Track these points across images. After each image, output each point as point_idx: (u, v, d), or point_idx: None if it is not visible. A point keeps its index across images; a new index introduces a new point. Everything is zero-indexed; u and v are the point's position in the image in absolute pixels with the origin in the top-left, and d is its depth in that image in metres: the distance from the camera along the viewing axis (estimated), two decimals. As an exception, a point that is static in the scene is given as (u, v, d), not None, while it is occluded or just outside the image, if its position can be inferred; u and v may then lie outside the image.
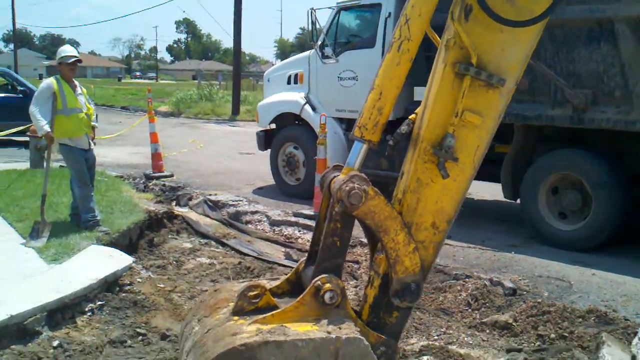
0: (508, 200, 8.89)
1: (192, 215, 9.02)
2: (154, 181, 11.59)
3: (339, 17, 10.17)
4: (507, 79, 3.17)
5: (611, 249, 7.70)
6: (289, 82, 11.00)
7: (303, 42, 75.73)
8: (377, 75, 3.31)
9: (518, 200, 8.54)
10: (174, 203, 9.97)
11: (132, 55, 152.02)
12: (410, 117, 3.47)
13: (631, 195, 7.65)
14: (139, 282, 6.08)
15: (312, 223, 8.25)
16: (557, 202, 8.10)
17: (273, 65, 28.97)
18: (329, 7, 10.42)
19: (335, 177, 3.40)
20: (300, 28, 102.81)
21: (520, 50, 3.18)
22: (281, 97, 11.04)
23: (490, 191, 10.31)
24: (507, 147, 8.35)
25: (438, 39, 3.40)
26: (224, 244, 7.87)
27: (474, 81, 3.13)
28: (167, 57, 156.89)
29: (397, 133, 3.44)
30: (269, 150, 11.30)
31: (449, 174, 3.22)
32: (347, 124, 10.08)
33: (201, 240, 8.01)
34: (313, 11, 9.97)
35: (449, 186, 3.29)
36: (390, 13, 9.24)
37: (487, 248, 7.76)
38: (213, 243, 7.95)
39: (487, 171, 6.55)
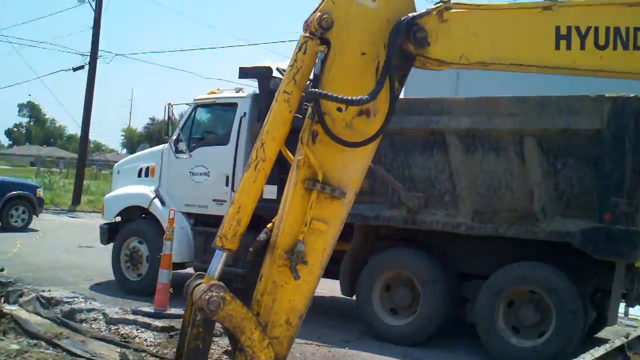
0: (346, 297, 9.05)
1: (22, 314, 8.32)
2: (-19, 277, 10.69)
3: (195, 113, 10.18)
4: (348, 191, 3.70)
5: (440, 342, 8.01)
6: (139, 175, 10.69)
7: (152, 132, 74.90)
8: (237, 190, 3.77)
9: (354, 297, 8.72)
10: (2, 300, 9.23)
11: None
12: (268, 225, 3.86)
13: (457, 292, 8.07)
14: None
15: (152, 321, 7.91)
16: (389, 298, 8.36)
17: (119, 154, 28.27)
18: (186, 103, 10.45)
19: (197, 285, 3.74)
20: (150, 118, 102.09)
21: (359, 165, 3.74)
22: (130, 190, 10.69)
23: (330, 287, 10.47)
24: (347, 245, 8.53)
25: (291, 156, 3.84)
26: (55, 345, 7.31)
27: (320, 194, 3.63)
28: (5, 141, 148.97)
29: (257, 241, 3.83)
30: (110, 244, 10.87)
31: (300, 276, 3.65)
32: (196, 219, 9.93)
33: (30, 341, 7.39)
34: (170, 106, 9.91)
35: (300, 286, 3.73)
36: (245, 113, 9.40)
37: (324, 344, 7.77)
38: (43, 344, 7.37)
39: (327, 268, 6.66)
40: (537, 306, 7.39)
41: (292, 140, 3.82)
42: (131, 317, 8.36)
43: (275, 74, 8.98)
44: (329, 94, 3.49)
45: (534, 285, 7.37)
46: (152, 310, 8.44)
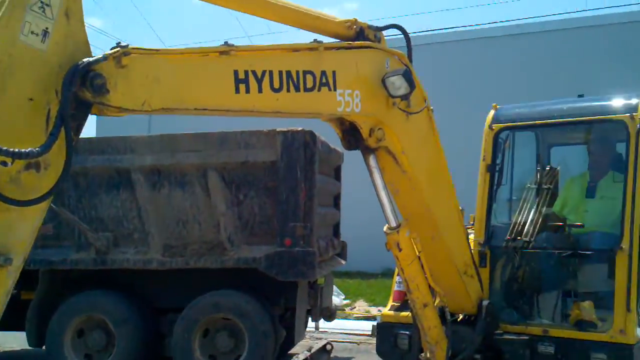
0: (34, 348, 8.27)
1: None
2: None
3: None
4: (15, 257, 2.93)
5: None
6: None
7: None
8: None
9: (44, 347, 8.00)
10: None
11: None
12: None
13: (154, 328, 7.85)
14: None
15: None
16: (82, 344, 7.86)
17: None
18: None
19: None
20: None
21: (29, 225, 3.00)
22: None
23: (19, 340, 9.45)
24: (33, 293, 7.87)
25: None
26: None
27: None
28: None
29: None
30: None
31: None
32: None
33: None
34: None
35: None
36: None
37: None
38: None
39: (12, 320, 6.07)
40: (231, 332, 7.51)
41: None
42: None
43: None
44: None
45: (227, 312, 7.49)
46: None
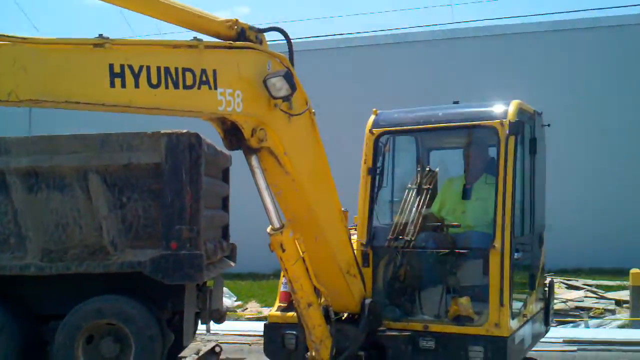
0: None
1: None
2: None
3: None
4: None
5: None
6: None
7: None
8: None
9: None
10: None
11: None
12: None
13: (35, 335, 7.47)
14: None
15: None
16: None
17: None
18: None
19: None
20: None
21: None
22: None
23: None
24: None
25: None
26: None
27: None
28: None
29: None
30: None
31: None
32: None
33: None
34: None
35: None
36: None
37: None
38: None
39: None
40: (116, 337, 7.25)
41: None
42: None
43: None
44: None
45: (111, 317, 7.23)
46: None
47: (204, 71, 3.92)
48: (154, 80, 3.67)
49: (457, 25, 18.87)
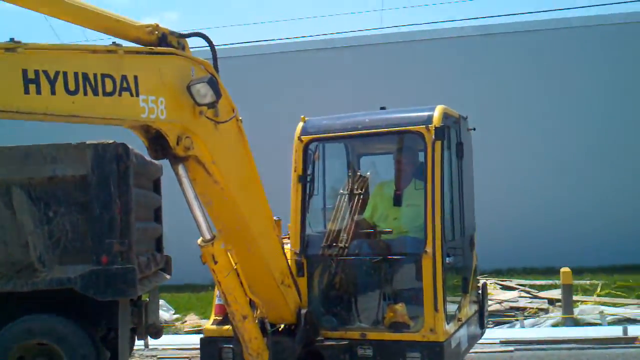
0: None
1: None
2: None
3: None
4: None
5: None
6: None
7: None
8: None
9: None
10: None
11: None
12: None
13: None
14: None
15: None
16: None
17: None
18: None
19: None
20: None
21: None
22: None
23: None
24: None
25: None
26: None
27: None
28: None
29: None
30: None
31: None
32: None
33: None
34: None
35: None
36: None
37: None
38: None
39: None
40: (49, 358, 6.95)
41: None
42: None
43: None
44: None
45: (42, 337, 6.93)
46: None
47: (124, 77, 3.77)
48: (72, 87, 3.50)
49: (384, 31, 18.99)
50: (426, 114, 5.84)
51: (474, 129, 6.87)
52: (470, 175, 6.78)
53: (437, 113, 5.78)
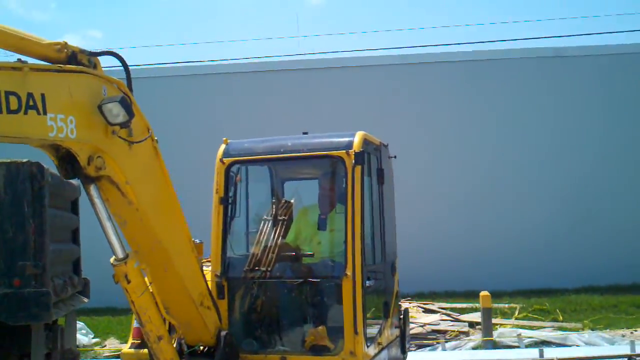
0: None
1: None
2: None
3: None
4: None
5: None
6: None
7: None
8: None
9: None
10: None
11: None
12: None
13: None
14: None
15: None
16: None
17: None
18: None
19: None
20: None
21: None
22: None
23: None
24: None
25: None
26: None
27: None
28: None
29: None
30: None
31: None
32: None
33: None
34: None
35: None
36: None
37: None
38: None
39: None
40: None
41: None
42: None
43: None
44: None
45: None
46: None
47: (30, 95, 3.60)
48: None
49: (304, 57, 18.98)
50: (346, 139, 5.84)
51: (395, 157, 6.91)
52: (391, 201, 6.80)
53: (357, 139, 5.80)
